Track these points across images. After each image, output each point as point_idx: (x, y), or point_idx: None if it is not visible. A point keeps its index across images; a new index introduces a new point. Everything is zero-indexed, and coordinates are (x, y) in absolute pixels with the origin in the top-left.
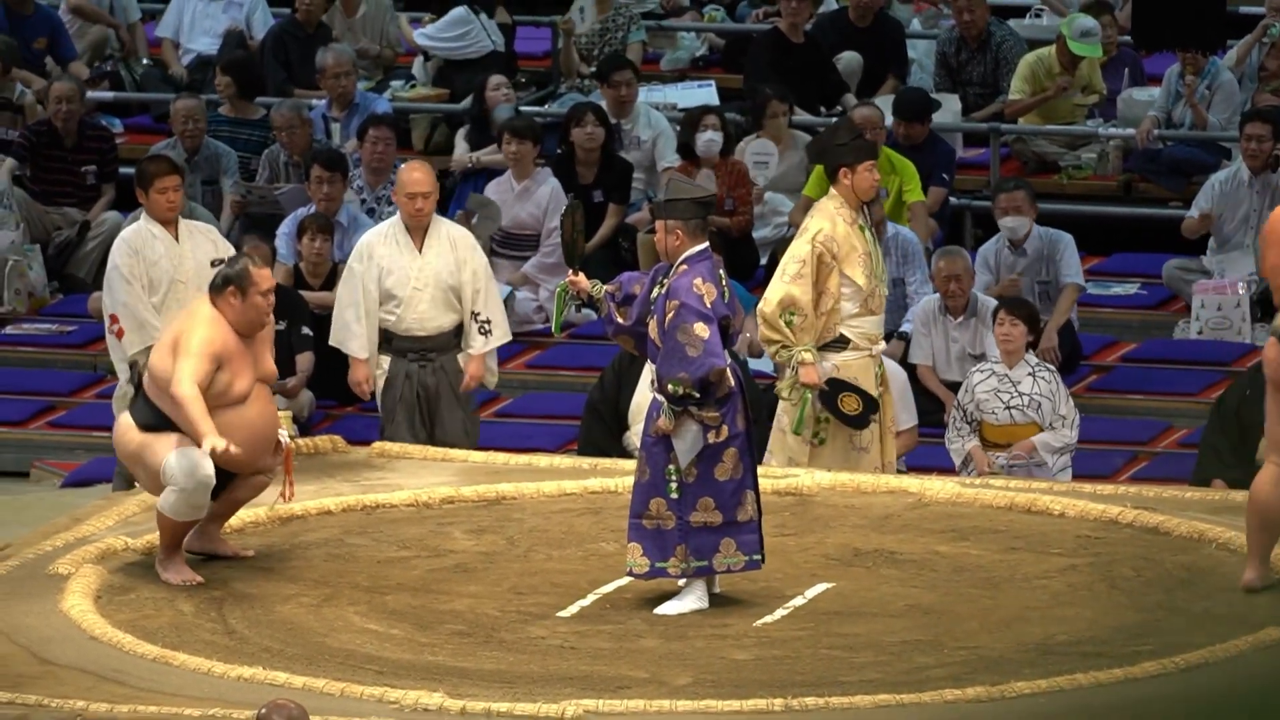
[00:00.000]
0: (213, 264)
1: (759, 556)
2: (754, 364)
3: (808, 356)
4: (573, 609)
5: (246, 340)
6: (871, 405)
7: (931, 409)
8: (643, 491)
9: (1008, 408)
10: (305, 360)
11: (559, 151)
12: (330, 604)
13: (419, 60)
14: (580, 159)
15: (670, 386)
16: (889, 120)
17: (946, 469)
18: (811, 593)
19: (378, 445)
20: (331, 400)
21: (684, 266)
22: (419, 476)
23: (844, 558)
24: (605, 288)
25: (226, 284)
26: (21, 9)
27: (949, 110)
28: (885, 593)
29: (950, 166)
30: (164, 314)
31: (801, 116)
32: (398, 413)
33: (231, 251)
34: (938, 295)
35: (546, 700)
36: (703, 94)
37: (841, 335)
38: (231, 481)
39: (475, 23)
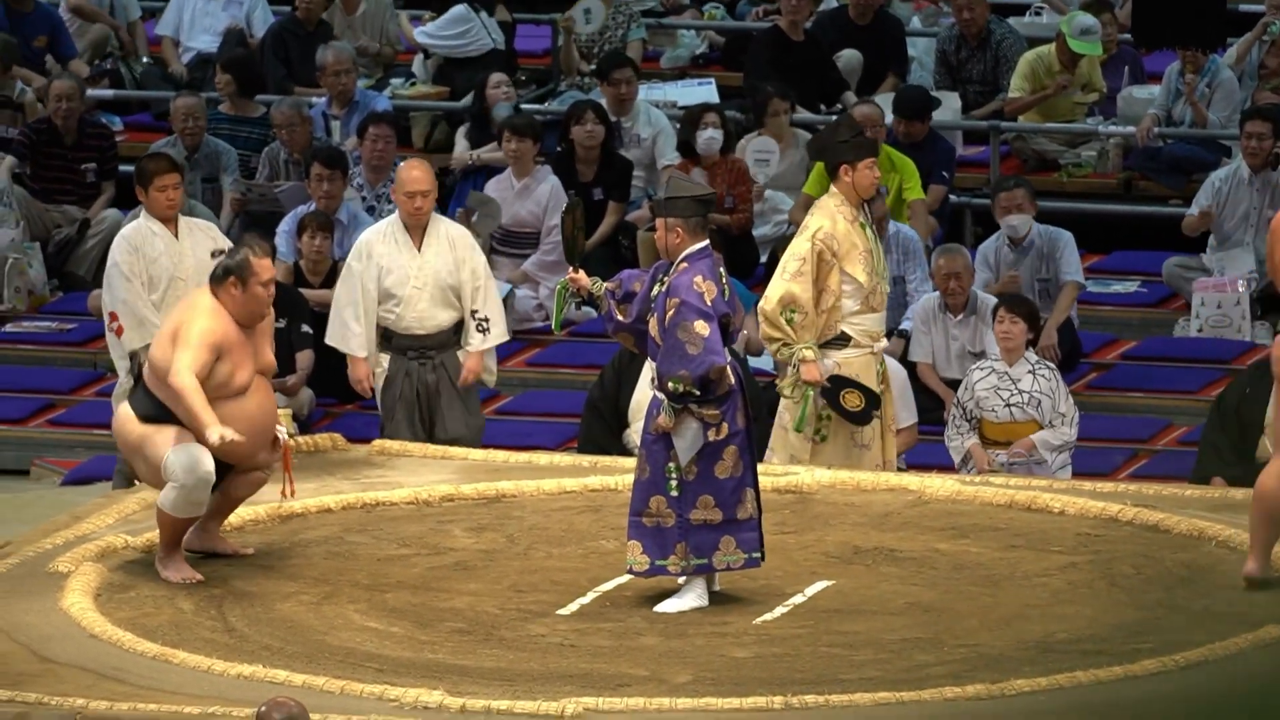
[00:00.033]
0: (213, 255)
1: (759, 554)
2: (754, 362)
3: (809, 354)
4: (573, 607)
5: (247, 331)
6: (874, 401)
7: (931, 407)
8: (643, 489)
9: (1007, 405)
10: (305, 358)
11: (559, 149)
12: (330, 602)
13: (419, 58)
14: (580, 157)
15: (670, 384)
16: (889, 118)
17: (946, 467)
18: (811, 590)
19: (378, 443)
20: (331, 398)
21: (684, 264)
22: (419, 474)
23: (844, 555)
24: (605, 285)
25: (227, 274)
26: (21, 7)
27: (949, 108)
28: (885, 590)
29: (950, 164)
30: (164, 311)
31: (801, 114)
32: (397, 411)
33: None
34: (937, 293)
35: (546, 698)
36: (703, 92)
37: (843, 333)
38: (228, 477)
39: (475, 21)
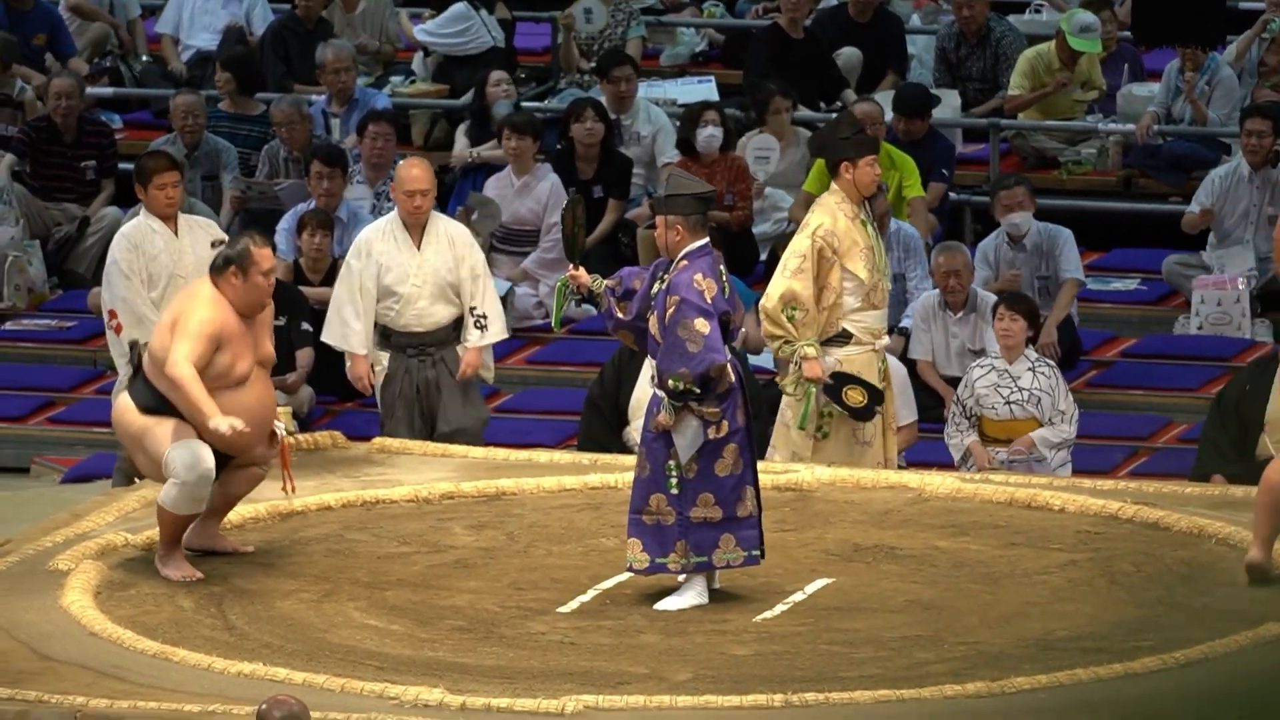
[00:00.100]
0: (213, 245)
1: (758, 552)
2: (753, 359)
3: (811, 351)
4: (573, 604)
5: (247, 321)
6: (876, 396)
7: (931, 404)
8: (643, 487)
9: (1007, 403)
10: (305, 356)
11: (559, 147)
12: (330, 600)
13: (419, 56)
14: (580, 154)
15: (671, 382)
16: (889, 116)
17: (946, 464)
18: (811, 588)
19: (378, 441)
20: (331, 396)
21: (684, 262)
22: (419, 472)
23: (844, 553)
24: (605, 282)
25: (228, 264)
26: (21, 5)
27: (949, 106)
28: (885, 588)
29: (950, 162)
30: (163, 309)
31: (801, 112)
32: (397, 408)
33: None
34: (937, 291)
35: (546, 696)
36: (702, 89)
37: (844, 330)
38: (226, 473)
39: (475, 18)
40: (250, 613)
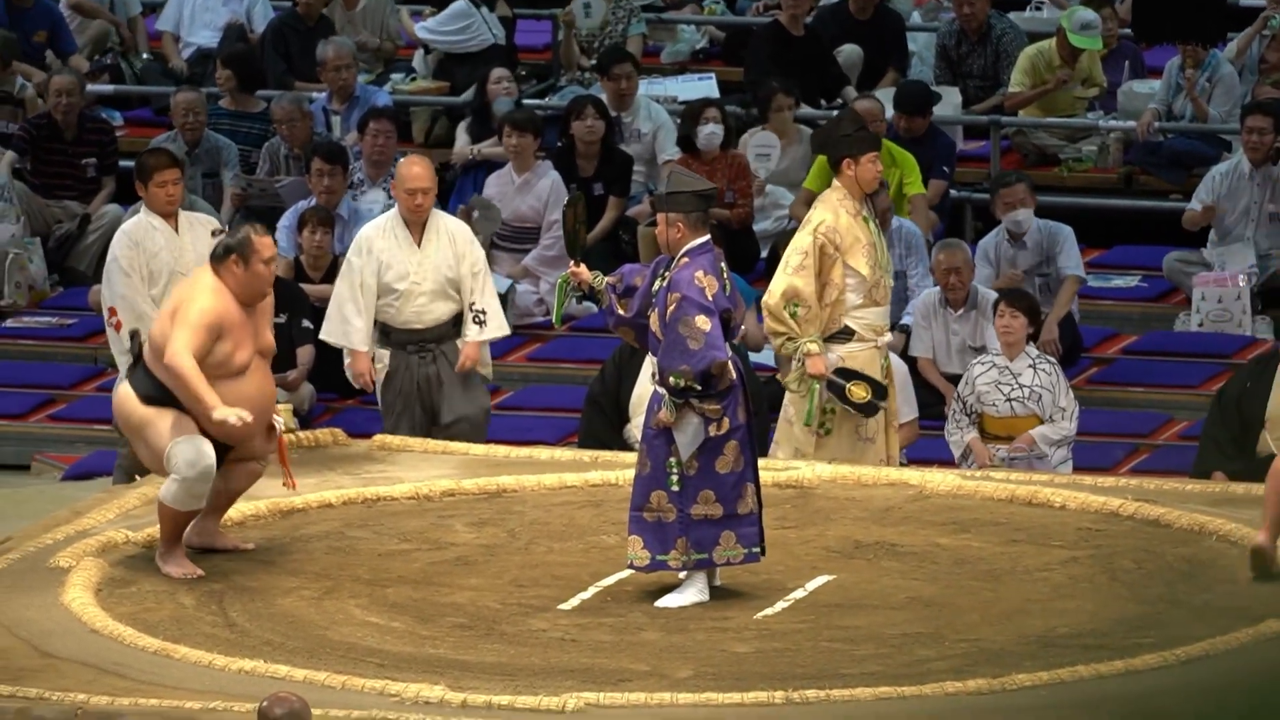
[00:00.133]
0: (213, 234)
1: (759, 549)
2: (754, 357)
3: (813, 347)
4: (573, 602)
5: (248, 310)
6: (880, 392)
7: (931, 402)
8: (643, 484)
9: (1008, 400)
10: (306, 353)
11: (559, 144)
12: (331, 597)
13: (419, 53)
14: (580, 152)
15: (672, 379)
16: (889, 113)
17: (947, 462)
18: (812, 585)
19: (378, 438)
20: (332, 393)
21: (685, 259)
22: (420, 469)
23: (845, 550)
24: (606, 279)
25: (228, 252)
26: (22, 2)
27: (949, 103)
28: (886, 585)
29: (950, 159)
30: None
31: (802, 110)
32: (398, 405)
33: None
34: (938, 288)
35: (547, 693)
36: (703, 87)
37: (846, 326)
38: (224, 469)
39: (476, 16)
40: (251, 610)
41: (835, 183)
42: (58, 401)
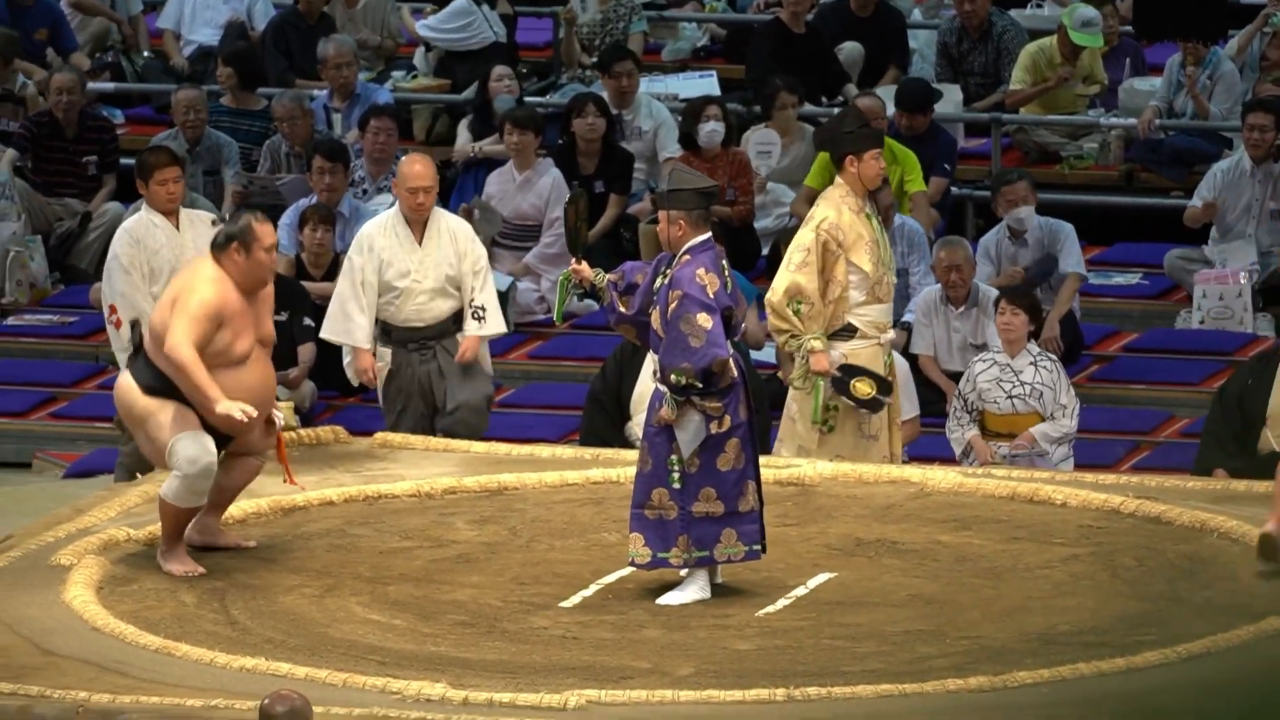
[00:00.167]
0: (213, 223)
1: (759, 547)
2: (755, 354)
3: (817, 344)
4: (575, 599)
5: (249, 298)
6: (884, 387)
7: (932, 399)
8: (645, 482)
9: (1009, 397)
10: (307, 351)
11: (560, 142)
12: (333, 595)
13: (420, 51)
14: (581, 149)
15: (673, 377)
16: (890, 110)
17: (948, 459)
18: (814, 583)
19: (380, 436)
20: (333, 391)
21: (687, 257)
22: (421, 467)
23: (846, 547)
24: (608, 277)
25: (230, 240)
26: (23, 0)
27: (950, 100)
28: (887, 582)
29: (952, 157)
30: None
31: (803, 107)
32: (399, 403)
33: None
34: (939, 285)
35: (549, 690)
36: (704, 84)
37: (849, 324)
38: (223, 461)
39: (477, 14)
40: (252, 608)
41: (838, 179)
42: (59, 399)
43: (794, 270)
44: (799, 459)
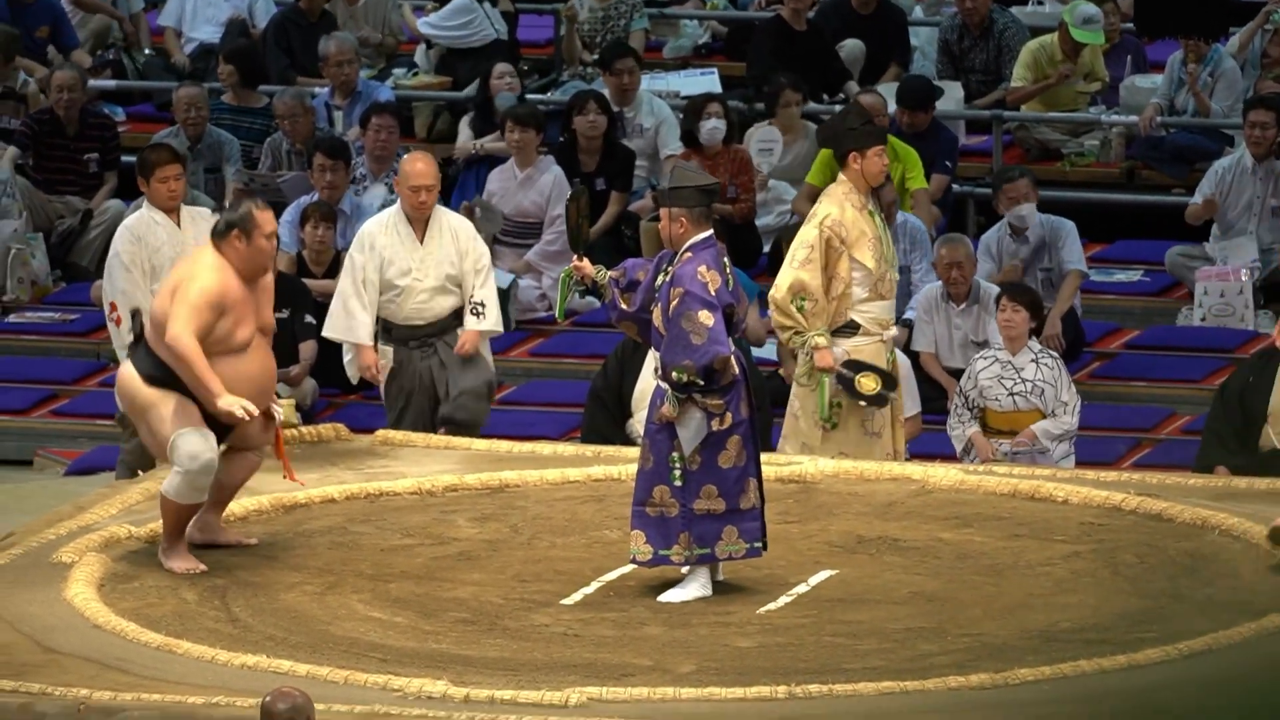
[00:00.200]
0: (214, 212)
1: (760, 544)
2: (757, 352)
3: (822, 341)
4: (576, 597)
5: (250, 286)
6: (889, 383)
7: (934, 396)
8: (646, 479)
9: (1011, 394)
10: (308, 348)
11: (561, 139)
12: (334, 592)
13: (421, 48)
14: (583, 147)
15: (674, 374)
16: (892, 108)
17: (949, 456)
18: (815, 580)
19: (381, 433)
20: (335, 388)
21: (688, 254)
22: (422, 464)
23: (847, 545)
24: (609, 274)
25: (230, 228)
26: None
27: (951, 98)
28: (889, 580)
29: (953, 154)
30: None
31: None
32: (401, 401)
33: None
34: (940, 283)
35: (550, 688)
36: (705, 82)
37: (852, 320)
38: (223, 456)
39: (479, 11)
40: (254, 605)
41: (841, 176)
42: (60, 397)
43: (798, 267)
44: (800, 456)
